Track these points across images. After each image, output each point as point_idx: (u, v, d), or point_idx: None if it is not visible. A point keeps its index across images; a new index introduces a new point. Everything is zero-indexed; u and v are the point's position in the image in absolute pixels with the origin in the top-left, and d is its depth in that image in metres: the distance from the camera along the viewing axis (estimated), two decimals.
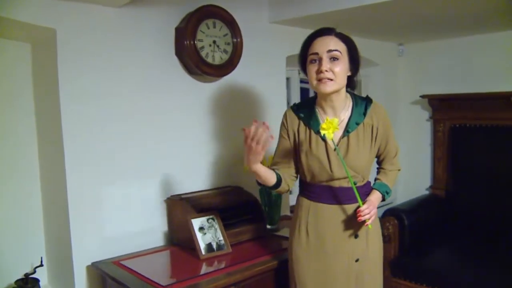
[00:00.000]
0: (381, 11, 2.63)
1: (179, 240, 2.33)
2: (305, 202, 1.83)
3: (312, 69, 1.65)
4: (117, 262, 2.09)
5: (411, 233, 3.13)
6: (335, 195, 1.75)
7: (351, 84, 1.78)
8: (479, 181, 3.35)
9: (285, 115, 1.86)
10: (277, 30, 2.91)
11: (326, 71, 1.61)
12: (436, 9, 2.65)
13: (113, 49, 2.20)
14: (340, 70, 1.63)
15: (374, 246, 1.84)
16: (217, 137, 2.64)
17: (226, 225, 2.28)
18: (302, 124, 1.78)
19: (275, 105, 2.94)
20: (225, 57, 2.50)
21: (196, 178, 2.55)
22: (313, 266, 1.80)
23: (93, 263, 2.11)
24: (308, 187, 1.83)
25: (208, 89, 2.58)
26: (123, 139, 2.25)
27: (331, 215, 1.77)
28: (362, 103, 1.77)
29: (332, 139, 1.59)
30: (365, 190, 1.81)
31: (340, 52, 1.63)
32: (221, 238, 2.20)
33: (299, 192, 1.92)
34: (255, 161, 1.61)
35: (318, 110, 1.77)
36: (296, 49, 3.03)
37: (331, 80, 1.62)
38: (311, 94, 4.01)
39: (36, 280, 2.12)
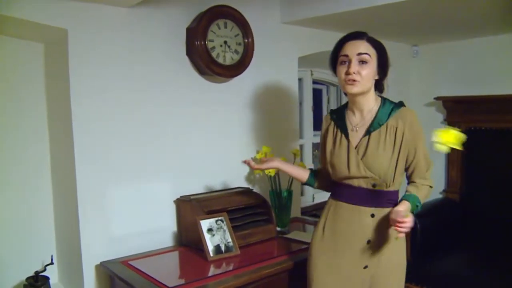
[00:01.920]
0: (394, 11, 2.60)
1: (188, 241, 2.32)
2: (330, 200, 1.88)
3: (342, 70, 1.70)
4: (125, 262, 2.09)
5: (424, 237, 3.08)
6: (355, 195, 1.76)
7: (379, 87, 1.80)
8: (494, 185, 3.29)
9: (323, 120, 1.96)
10: (289, 31, 2.90)
11: (354, 73, 1.66)
12: (450, 10, 2.62)
13: (124, 48, 2.20)
14: (367, 73, 1.68)
15: (392, 254, 1.77)
16: (229, 138, 2.63)
17: (236, 227, 2.27)
18: (332, 124, 1.87)
19: (287, 106, 2.92)
20: (236, 57, 2.49)
21: (207, 179, 2.55)
22: (325, 263, 1.81)
23: (101, 263, 2.12)
24: (333, 186, 1.87)
25: (219, 90, 2.57)
26: (133, 139, 2.26)
27: (348, 215, 1.77)
28: (389, 106, 1.76)
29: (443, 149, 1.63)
30: (390, 198, 1.76)
31: (370, 56, 1.68)
32: (230, 240, 2.18)
33: None
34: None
35: (347, 112, 1.83)
36: (308, 50, 3.07)
37: (357, 81, 1.67)
38: (324, 95, 3.98)
39: (46, 278, 2.13)
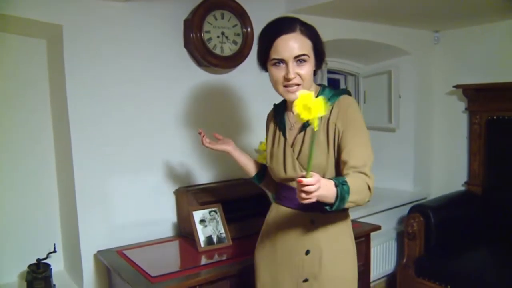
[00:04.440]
0: None
1: (185, 232, 2.35)
2: (273, 203, 1.71)
3: (277, 73, 1.48)
4: (120, 251, 2.14)
5: (438, 231, 2.98)
6: (293, 198, 1.46)
7: (317, 68, 1.57)
8: None
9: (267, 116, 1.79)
10: None
11: (294, 77, 1.46)
12: None
13: (121, 42, 2.24)
14: (307, 72, 1.48)
15: (335, 266, 1.53)
16: (229, 128, 2.62)
17: (231, 218, 2.27)
18: (273, 120, 1.70)
19: None
20: (235, 48, 2.47)
21: (207, 170, 2.56)
22: (268, 276, 1.64)
23: (98, 251, 2.18)
24: (276, 187, 1.71)
25: (218, 81, 2.57)
26: (132, 129, 2.30)
27: (287, 221, 1.58)
28: (326, 95, 1.52)
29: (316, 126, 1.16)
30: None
31: (308, 55, 1.47)
32: (222, 231, 2.19)
33: None
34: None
35: (287, 108, 1.65)
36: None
37: (299, 85, 1.48)
38: (342, 85, 3.89)
39: (47, 265, 2.21)
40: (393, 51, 3.47)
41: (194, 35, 2.32)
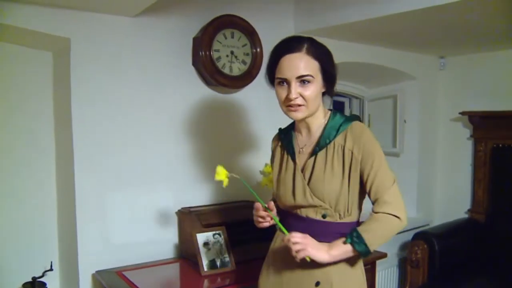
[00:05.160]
0: (417, 21, 2.44)
1: (187, 254, 2.28)
2: (277, 231, 1.63)
3: (281, 92, 1.46)
4: (119, 272, 2.08)
5: (442, 259, 2.93)
6: (302, 227, 1.46)
7: (329, 93, 1.54)
8: None
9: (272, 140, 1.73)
10: None
11: (296, 97, 1.42)
12: (478, 20, 2.44)
13: (129, 58, 2.21)
14: (311, 94, 1.42)
15: None
16: (234, 150, 2.58)
17: (236, 242, 2.21)
18: (279, 144, 1.65)
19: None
20: (244, 68, 2.44)
21: (211, 191, 2.50)
22: None
23: (97, 272, 2.11)
24: (281, 215, 1.61)
25: (225, 100, 2.53)
26: (135, 148, 2.25)
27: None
28: (339, 120, 1.50)
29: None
30: (343, 231, 1.45)
31: (313, 76, 1.42)
32: (226, 254, 2.13)
33: None
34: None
35: (295, 131, 1.61)
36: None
37: (302, 105, 1.44)
38: (346, 108, 3.87)
39: (43, 284, 2.15)
40: (399, 75, 3.46)
41: (203, 53, 2.29)
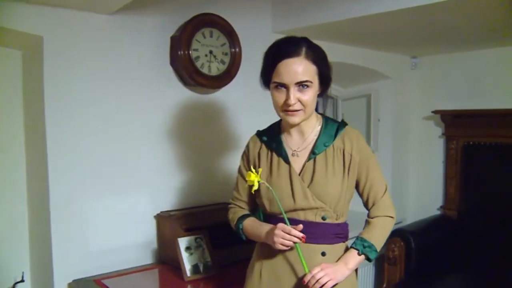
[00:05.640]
0: (391, 21, 2.47)
1: (168, 259, 2.22)
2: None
3: (278, 97, 1.44)
4: (98, 280, 2.00)
5: (418, 256, 2.97)
6: (300, 231, 1.42)
7: (322, 94, 1.53)
8: (493, 202, 3.16)
9: (247, 143, 1.65)
10: None
11: (295, 103, 1.40)
12: (450, 21, 2.50)
13: (104, 57, 2.12)
14: (309, 98, 1.41)
15: None
16: (213, 151, 2.53)
17: (218, 245, 2.16)
18: (264, 147, 1.59)
19: (276, 119, 2.82)
20: (222, 67, 2.40)
21: (189, 194, 2.44)
22: None
23: (74, 281, 2.02)
24: (267, 220, 1.56)
25: (204, 101, 2.48)
26: (112, 149, 2.17)
27: (292, 255, 1.48)
28: (333, 125, 1.53)
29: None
30: (340, 232, 1.52)
31: (311, 81, 1.40)
32: (209, 259, 2.08)
33: None
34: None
35: (284, 133, 1.57)
36: None
37: (300, 110, 1.43)
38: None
39: None
40: (373, 75, 3.49)
41: (182, 52, 2.23)
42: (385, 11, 2.23)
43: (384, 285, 3.03)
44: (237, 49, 2.42)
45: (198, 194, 2.47)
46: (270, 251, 1.52)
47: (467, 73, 3.38)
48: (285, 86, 1.41)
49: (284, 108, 1.43)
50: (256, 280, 1.57)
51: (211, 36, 2.34)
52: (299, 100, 1.41)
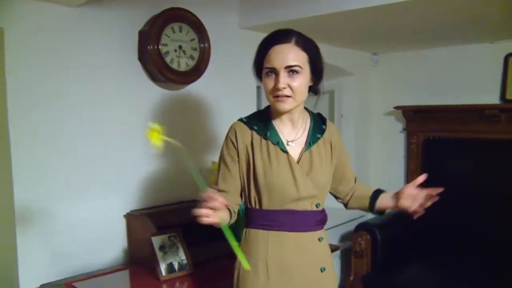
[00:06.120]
0: (354, 19, 2.55)
1: (140, 259, 2.16)
2: (261, 233, 1.52)
3: (269, 83, 1.44)
4: (69, 283, 1.91)
5: (384, 248, 3.05)
6: (299, 221, 1.50)
7: (315, 90, 1.57)
8: (454, 195, 3.28)
9: (232, 131, 1.56)
10: (248, 36, 2.78)
11: (284, 88, 1.41)
12: (410, 19, 2.60)
13: (69, 51, 2.03)
14: (299, 85, 1.42)
15: (335, 279, 1.68)
16: (184, 147, 2.48)
17: (192, 243, 2.13)
18: (256, 135, 1.53)
19: (245, 114, 2.81)
20: (192, 63, 2.36)
21: (159, 192, 2.39)
22: None
23: (42, 285, 1.93)
24: (264, 215, 1.51)
25: (173, 97, 2.43)
26: (78, 150, 2.08)
27: (295, 244, 1.51)
28: (318, 118, 1.63)
29: None
30: (323, 218, 1.59)
31: (301, 67, 1.42)
32: (184, 257, 2.04)
33: (245, 225, 1.59)
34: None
35: (275, 121, 1.55)
36: None
37: (289, 96, 1.43)
38: None
39: None
40: (336, 71, 3.55)
41: (151, 47, 2.17)
42: (349, 9, 2.30)
43: (351, 278, 3.09)
44: (206, 44, 2.40)
45: (169, 191, 2.42)
46: (277, 243, 1.50)
47: (426, 70, 3.51)
48: (275, 72, 1.43)
49: (274, 94, 1.44)
50: (263, 274, 1.50)
51: (180, 31, 2.30)
52: (289, 86, 1.42)
